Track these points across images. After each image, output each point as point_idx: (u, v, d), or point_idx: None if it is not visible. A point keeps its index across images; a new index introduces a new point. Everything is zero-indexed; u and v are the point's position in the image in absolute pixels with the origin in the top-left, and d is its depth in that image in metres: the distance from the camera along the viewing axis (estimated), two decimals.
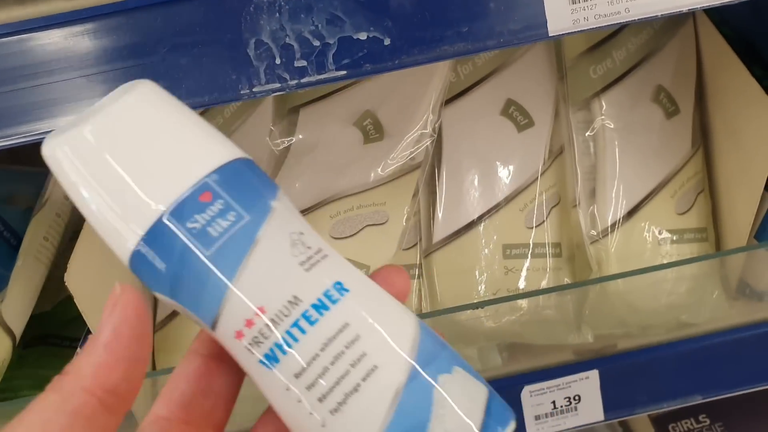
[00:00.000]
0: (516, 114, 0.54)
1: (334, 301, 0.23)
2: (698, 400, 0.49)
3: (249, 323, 0.23)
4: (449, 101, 0.54)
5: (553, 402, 0.48)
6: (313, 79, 0.32)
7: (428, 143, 0.52)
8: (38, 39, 0.31)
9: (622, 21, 0.33)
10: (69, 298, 0.41)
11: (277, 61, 0.32)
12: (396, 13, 0.32)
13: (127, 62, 0.32)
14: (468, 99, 0.54)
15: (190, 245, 0.23)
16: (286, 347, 0.23)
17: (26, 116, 0.32)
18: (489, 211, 0.53)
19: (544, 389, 0.48)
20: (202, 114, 0.53)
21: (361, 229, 0.52)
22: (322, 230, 0.52)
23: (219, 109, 0.53)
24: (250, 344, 0.23)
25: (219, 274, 0.23)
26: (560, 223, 0.54)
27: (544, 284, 0.53)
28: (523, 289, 0.53)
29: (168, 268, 0.23)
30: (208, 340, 0.26)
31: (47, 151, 0.24)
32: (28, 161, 0.58)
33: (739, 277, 0.50)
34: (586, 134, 0.53)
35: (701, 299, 0.50)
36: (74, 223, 0.55)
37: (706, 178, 0.55)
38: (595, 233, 0.52)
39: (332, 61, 0.32)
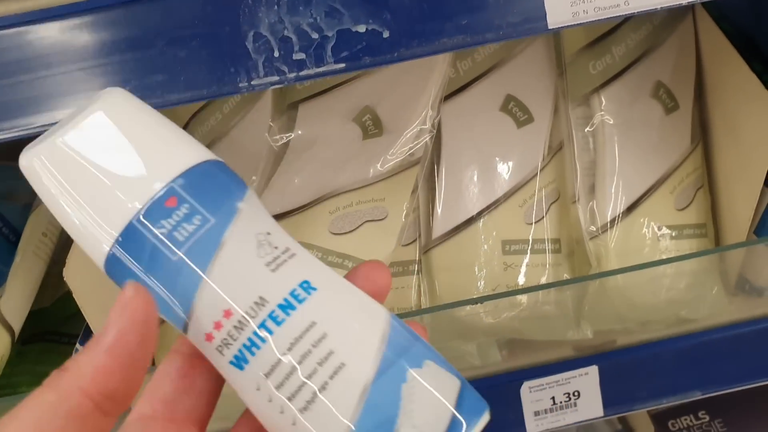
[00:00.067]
0: (515, 110, 0.54)
1: (300, 301, 0.24)
2: (698, 395, 0.49)
3: (217, 326, 0.23)
4: (448, 97, 0.54)
5: (553, 398, 0.48)
6: (311, 72, 0.32)
7: (427, 139, 0.52)
8: (36, 32, 0.31)
9: (621, 14, 0.33)
10: (68, 295, 0.41)
11: (276, 53, 0.32)
12: (395, 5, 0.32)
13: (125, 55, 0.32)
14: (467, 95, 0.54)
15: (157, 251, 0.23)
16: (254, 348, 0.23)
17: (24, 109, 0.32)
18: (488, 207, 0.53)
19: (543, 385, 0.48)
20: (201, 109, 0.53)
21: (360, 225, 0.51)
22: (321, 226, 0.52)
23: (218, 105, 0.53)
24: (219, 346, 0.24)
25: (186, 279, 0.23)
26: (560, 219, 0.54)
27: (543, 280, 0.53)
28: (522, 285, 0.53)
29: (138, 274, 0.24)
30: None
31: (24, 162, 0.24)
32: None
33: (739, 273, 0.50)
34: (586, 130, 0.53)
35: (701, 295, 0.50)
36: None
37: (705, 173, 0.55)
38: (595, 229, 0.52)
39: (331, 53, 0.32)
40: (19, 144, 0.33)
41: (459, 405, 0.24)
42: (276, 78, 0.32)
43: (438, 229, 0.53)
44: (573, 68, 0.53)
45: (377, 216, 0.52)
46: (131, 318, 0.21)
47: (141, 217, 0.23)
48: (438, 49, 0.32)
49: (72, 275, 0.40)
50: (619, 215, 0.52)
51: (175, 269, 0.23)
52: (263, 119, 0.53)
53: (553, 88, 0.55)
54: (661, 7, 0.33)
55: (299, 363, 0.23)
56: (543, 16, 0.33)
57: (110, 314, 0.21)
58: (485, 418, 0.24)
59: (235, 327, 0.23)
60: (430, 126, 0.52)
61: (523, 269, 0.53)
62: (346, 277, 0.27)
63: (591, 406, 0.48)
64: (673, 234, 0.53)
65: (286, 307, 0.24)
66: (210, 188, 0.24)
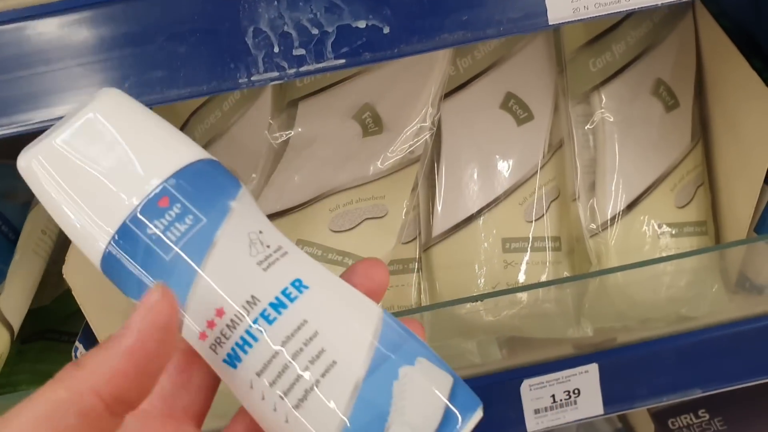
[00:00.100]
0: (515, 107, 0.54)
1: (292, 299, 0.24)
2: (698, 393, 0.49)
3: (210, 325, 0.24)
4: (448, 94, 0.54)
5: (553, 396, 0.48)
6: (311, 67, 0.32)
7: (427, 136, 0.52)
8: (35, 27, 0.31)
9: (622, 9, 0.33)
10: (68, 293, 0.41)
11: (276, 49, 0.32)
12: (395, 1, 0.32)
13: (124, 51, 0.32)
14: (467, 92, 0.54)
15: (150, 250, 0.24)
16: (246, 347, 0.23)
17: (23, 105, 0.32)
18: (488, 205, 0.53)
19: (543, 383, 0.47)
20: (200, 106, 0.53)
21: (360, 223, 0.51)
22: (321, 224, 0.51)
23: (217, 103, 0.53)
24: (213, 345, 0.24)
25: (178, 278, 0.24)
26: (560, 216, 0.54)
27: (543, 278, 0.53)
28: (522, 282, 0.53)
29: (133, 274, 0.24)
30: None
31: (23, 163, 0.24)
32: None
33: (739, 271, 0.50)
34: (586, 127, 0.53)
35: (701, 293, 0.50)
36: None
37: (705, 171, 0.55)
38: (595, 227, 0.52)
39: (331, 49, 0.32)
40: (18, 141, 0.33)
41: (451, 401, 0.24)
42: (276, 74, 0.32)
43: (438, 227, 0.53)
44: (573, 66, 0.53)
45: (377, 214, 0.52)
46: (154, 322, 0.21)
47: (134, 217, 0.24)
48: (438, 45, 0.32)
49: (71, 273, 0.40)
50: (619, 213, 0.52)
51: (168, 269, 0.23)
52: (263, 117, 0.53)
53: (553, 85, 0.55)
54: (661, 3, 0.33)
55: (291, 361, 0.23)
56: (543, 11, 0.33)
57: (133, 315, 0.21)
58: (478, 415, 0.24)
59: (227, 325, 0.24)
60: (430, 123, 0.52)
61: (523, 267, 0.53)
62: (344, 274, 0.27)
63: (591, 404, 0.48)
64: (674, 232, 0.53)
65: (278, 305, 0.24)
66: (202, 187, 0.25)
